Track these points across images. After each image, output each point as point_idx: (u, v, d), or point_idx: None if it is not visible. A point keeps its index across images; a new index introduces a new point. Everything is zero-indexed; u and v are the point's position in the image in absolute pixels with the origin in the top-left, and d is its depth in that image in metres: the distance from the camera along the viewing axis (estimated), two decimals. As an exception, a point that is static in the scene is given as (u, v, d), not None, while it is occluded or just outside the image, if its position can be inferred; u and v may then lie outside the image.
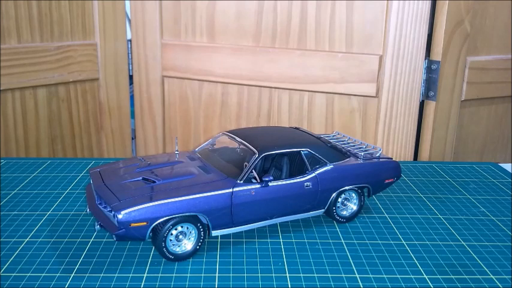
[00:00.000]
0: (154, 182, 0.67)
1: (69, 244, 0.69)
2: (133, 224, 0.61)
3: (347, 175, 0.74)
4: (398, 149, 1.17)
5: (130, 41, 1.38)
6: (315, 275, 0.62)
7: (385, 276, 0.62)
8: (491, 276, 0.63)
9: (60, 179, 0.92)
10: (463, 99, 1.18)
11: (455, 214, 0.81)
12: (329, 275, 0.62)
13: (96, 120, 1.40)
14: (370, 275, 0.63)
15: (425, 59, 1.12)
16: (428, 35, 1.11)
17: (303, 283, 0.61)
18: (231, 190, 0.66)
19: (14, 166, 0.98)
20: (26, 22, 1.21)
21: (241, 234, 0.72)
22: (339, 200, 0.75)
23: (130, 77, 1.42)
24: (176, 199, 0.63)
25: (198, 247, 0.66)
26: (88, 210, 0.68)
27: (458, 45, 1.13)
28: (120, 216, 0.60)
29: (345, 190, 0.75)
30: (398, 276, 0.63)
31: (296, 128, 0.84)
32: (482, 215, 0.80)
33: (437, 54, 1.12)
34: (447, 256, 0.68)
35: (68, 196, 0.85)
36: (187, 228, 0.65)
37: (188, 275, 0.62)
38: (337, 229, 0.74)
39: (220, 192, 0.65)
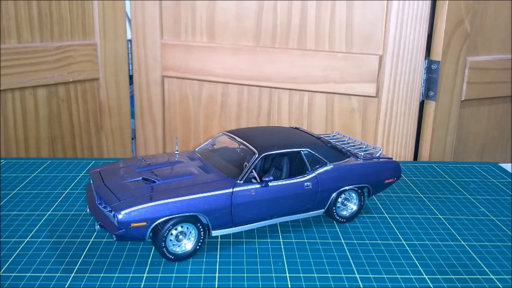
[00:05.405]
0: (154, 182, 0.67)
1: (69, 244, 0.69)
2: (133, 224, 0.61)
3: (347, 175, 0.74)
4: (398, 149, 1.17)
5: (130, 41, 1.38)
6: (315, 275, 0.62)
7: (385, 276, 0.62)
8: (491, 276, 0.63)
9: (60, 179, 0.92)
10: (463, 99, 1.18)
11: (455, 214, 0.81)
12: (329, 275, 0.62)
13: (96, 120, 1.40)
14: (370, 275, 0.63)
15: (425, 59, 1.12)
16: (428, 35, 1.11)
17: (303, 283, 0.61)
18: (231, 190, 0.66)
19: (14, 166, 0.98)
20: (26, 22, 1.21)
21: (241, 234, 0.72)
22: (339, 200, 0.75)
23: (130, 77, 1.42)
24: (176, 199, 0.63)
25: (198, 247, 0.66)
26: (88, 210, 0.68)
27: (458, 45, 1.13)
28: (120, 216, 0.60)
29: (345, 190, 0.75)
30: (398, 276, 0.63)
31: (296, 128, 0.84)
32: (482, 215, 0.80)
33: (437, 54, 1.12)
34: (447, 256, 0.68)
35: (68, 196, 0.85)
36: (187, 228, 0.65)
37: (188, 275, 0.62)
38: (337, 229, 0.74)
39: (220, 192, 0.65)
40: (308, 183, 0.71)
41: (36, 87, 1.26)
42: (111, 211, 0.61)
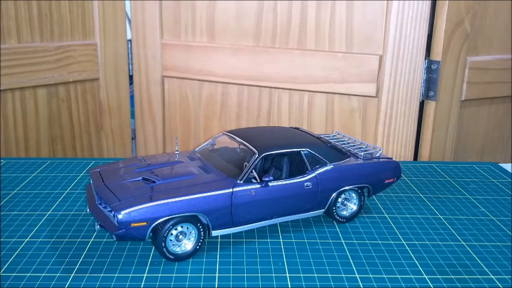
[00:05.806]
0: (154, 182, 0.67)
1: (69, 244, 0.69)
2: (133, 224, 0.61)
3: (347, 175, 0.74)
4: (398, 149, 1.17)
5: (130, 41, 1.38)
6: (315, 275, 0.62)
7: (385, 276, 0.62)
8: (491, 276, 0.63)
9: (60, 179, 0.92)
10: (463, 99, 1.18)
11: (455, 214, 0.81)
12: (329, 275, 0.62)
13: (96, 120, 1.40)
14: (370, 275, 0.63)
15: (425, 59, 1.12)
16: (428, 35, 1.11)
17: (303, 283, 0.61)
18: (231, 190, 0.66)
19: (14, 166, 0.98)
20: (26, 22, 1.21)
21: (241, 234, 0.72)
22: (339, 200, 0.75)
23: (130, 77, 1.42)
24: (176, 199, 0.63)
25: (198, 247, 0.66)
26: (88, 210, 0.68)
27: (458, 45, 1.13)
28: (120, 216, 0.60)
29: (345, 190, 0.75)
30: (398, 276, 0.63)
31: (296, 128, 0.84)
32: (482, 215, 0.80)
33: (437, 54, 1.13)
34: (447, 256, 0.68)
35: (68, 196, 0.85)
36: (187, 228, 0.65)
37: (188, 275, 0.62)
38: (337, 229, 0.74)
39: (220, 192, 0.65)
40: (308, 183, 0.71)
41: (36, 87, 1.26)
42: (111, 211, 0.61)
